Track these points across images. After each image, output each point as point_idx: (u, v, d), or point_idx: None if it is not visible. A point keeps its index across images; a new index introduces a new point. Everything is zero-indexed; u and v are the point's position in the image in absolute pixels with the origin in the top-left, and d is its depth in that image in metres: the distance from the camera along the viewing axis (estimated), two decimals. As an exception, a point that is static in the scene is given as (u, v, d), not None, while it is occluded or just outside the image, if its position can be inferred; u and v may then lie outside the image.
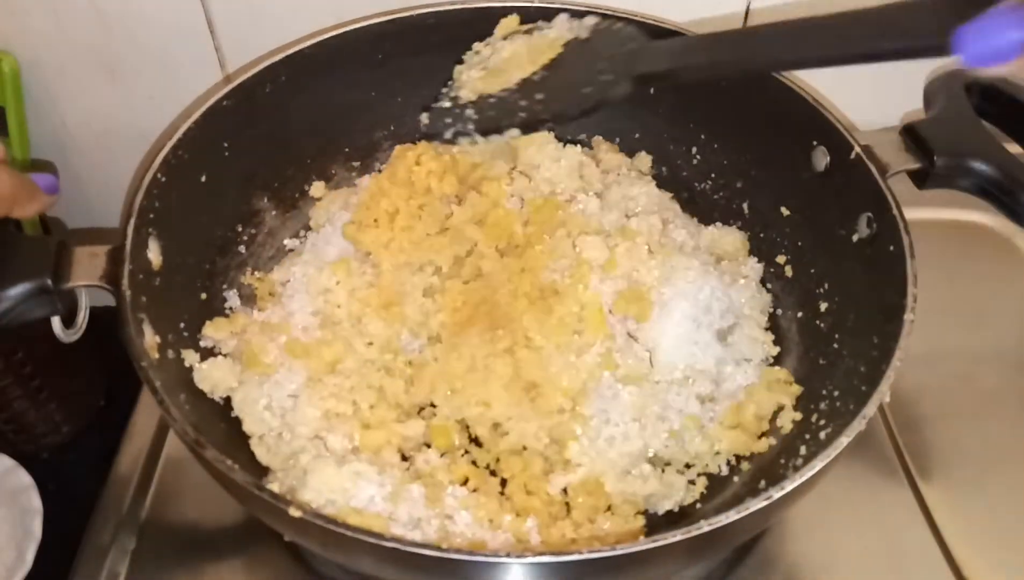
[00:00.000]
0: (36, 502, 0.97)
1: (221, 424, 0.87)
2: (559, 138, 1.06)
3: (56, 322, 0.80)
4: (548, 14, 1.00)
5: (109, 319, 0.75)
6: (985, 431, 0.98)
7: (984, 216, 1.12)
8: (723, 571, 0.88)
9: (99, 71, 1.07)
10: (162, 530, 0.93)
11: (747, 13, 1.06)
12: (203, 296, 0.94)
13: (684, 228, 1.02)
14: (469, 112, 0.84)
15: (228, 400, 0.89)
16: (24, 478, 0.99)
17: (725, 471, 0.89)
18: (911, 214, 0.84)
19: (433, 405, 0.91)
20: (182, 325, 0.89)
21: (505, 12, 1.00)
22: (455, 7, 1.02)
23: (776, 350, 0.96)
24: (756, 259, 1.02)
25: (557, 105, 0.81)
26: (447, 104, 0.86)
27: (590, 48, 0.85)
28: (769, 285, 1.01)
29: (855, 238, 0.89)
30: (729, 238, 1.03)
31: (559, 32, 0.88)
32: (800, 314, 0.97)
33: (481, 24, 0.99)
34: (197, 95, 1.07)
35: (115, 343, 0.74)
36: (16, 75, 1.04)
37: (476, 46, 0.93)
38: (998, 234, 1.13)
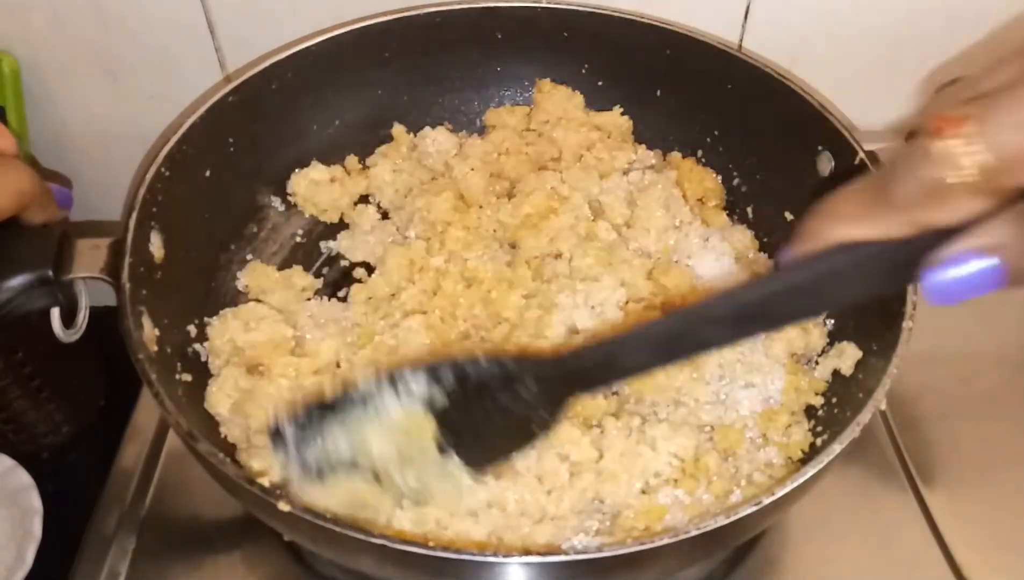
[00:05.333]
0: (36, 502, 0.97)
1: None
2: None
3: (56, 321, 0.80)
4: (555, 15, 1.01)
5: (110, 319, 0.75)
6: (985, 432, 0.97)
7: (984, 216, 1.12)
8: (723, 571, 0.89)
9: (99, 71, 1.07)
10: (162, 529, 0.93)
11: (747, 12, 1.05)
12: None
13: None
14: None
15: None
16: (24, 478, 0.99)
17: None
18: (912, 214, 0.83)
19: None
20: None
21: (510, 12, 1.01)
22: (461, 6, 1.02)
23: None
24: (765, 256, 1.02)
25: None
26: None
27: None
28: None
29: (857, 244, 0.88)
30: (737, 236, 1.02)
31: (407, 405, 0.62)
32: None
33: (487, 23, 1.00)
34: (197, 95, 1.07)
35: (116, 343, 0.74)
36: (16, 75, 1.04)
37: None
38: (998, 234, 1.12)
